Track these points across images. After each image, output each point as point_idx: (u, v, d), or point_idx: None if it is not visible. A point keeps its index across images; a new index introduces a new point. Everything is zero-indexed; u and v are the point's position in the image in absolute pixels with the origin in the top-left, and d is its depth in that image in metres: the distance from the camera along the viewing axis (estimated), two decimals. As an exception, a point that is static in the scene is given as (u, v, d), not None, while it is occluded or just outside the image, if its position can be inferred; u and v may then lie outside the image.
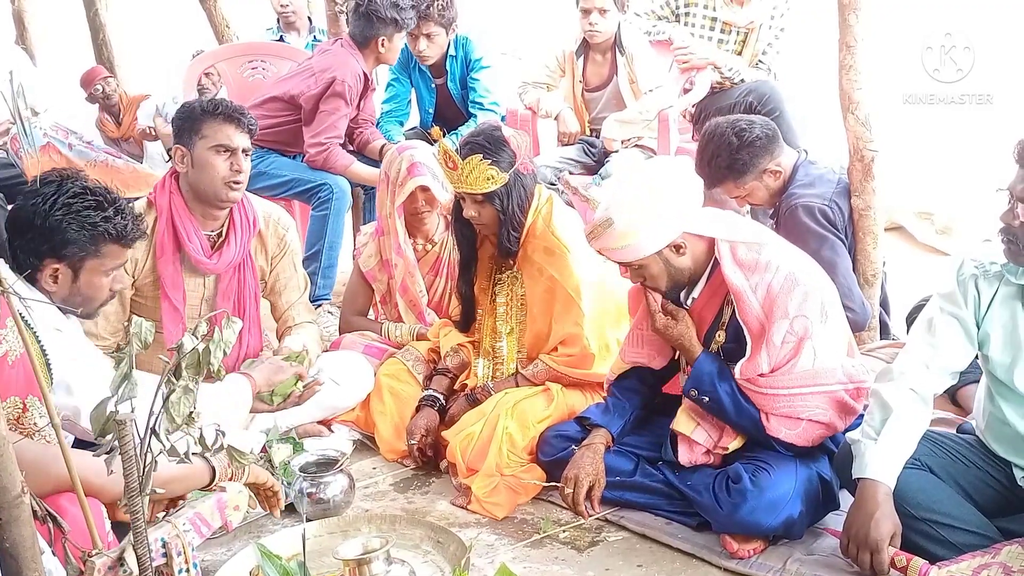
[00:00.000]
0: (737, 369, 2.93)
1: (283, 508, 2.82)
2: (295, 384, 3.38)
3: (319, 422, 3.71)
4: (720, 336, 3.04)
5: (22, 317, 2.54)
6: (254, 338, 3.74)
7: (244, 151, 3.52)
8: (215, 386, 3.22)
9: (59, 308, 2.71)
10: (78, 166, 4.64)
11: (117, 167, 5.35)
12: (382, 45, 5.12)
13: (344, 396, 3.71)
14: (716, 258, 2.96)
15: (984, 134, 5.60)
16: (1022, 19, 6.52)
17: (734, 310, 2.95)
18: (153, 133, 7.24)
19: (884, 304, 4.11)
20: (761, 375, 2.88)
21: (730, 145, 3.76)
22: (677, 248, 2.95)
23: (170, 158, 3.81)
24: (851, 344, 3.04)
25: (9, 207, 4.97)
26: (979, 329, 2.70)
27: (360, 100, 5.29)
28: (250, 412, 3.29)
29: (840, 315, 3.02)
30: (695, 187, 3.02)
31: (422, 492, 3.40)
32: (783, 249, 2.99)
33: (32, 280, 2.71)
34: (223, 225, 3.64)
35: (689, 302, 3.11)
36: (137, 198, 3.71)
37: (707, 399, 2.97)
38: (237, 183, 3.52)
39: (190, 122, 3.57)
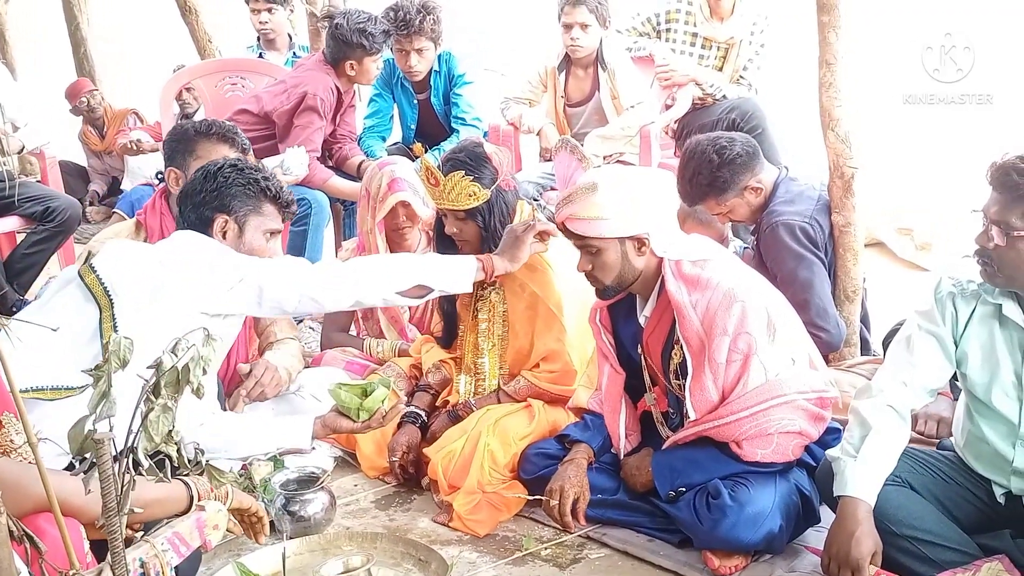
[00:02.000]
0: (689, 408, 2.93)
1: (267, 534, 2.79)
2: (382, 402, 3.09)
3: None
4: (676, 353, 3.02)
5: None
6: (241, 357, 3.72)
7: None
8: (442, 260, 3.29)
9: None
10: None
11: None
12: (351, 68, 5.15)
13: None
14: (663, 275, 2.98)
15: (984, 134, 5.63)
16: (1022, 19, 6.55)
17: None
18: (135, 148, 7.23)
19: (864, 320, 4.13)
20: (716, 407, 2.88)
21: (711, 163, 3.77)
22: (640, 244, 2.95)
23: (161, 180, 3.80)
24: (812, 358, 3.03)
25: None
26: (957, 347, 2.71)
27: (336, 115, 5.30)
28: (334, 430, 3.12)
29: (795, 329, 3.02)
30: (673, 203, 3.05)
31: (403, 509, 3.39)
32: (727, 266, 3.00)
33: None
34: None
35: (642, 320, 3.11)
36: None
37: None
38: None
39: (183, 143, 3.57)
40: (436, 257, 3.30)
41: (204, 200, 3.08)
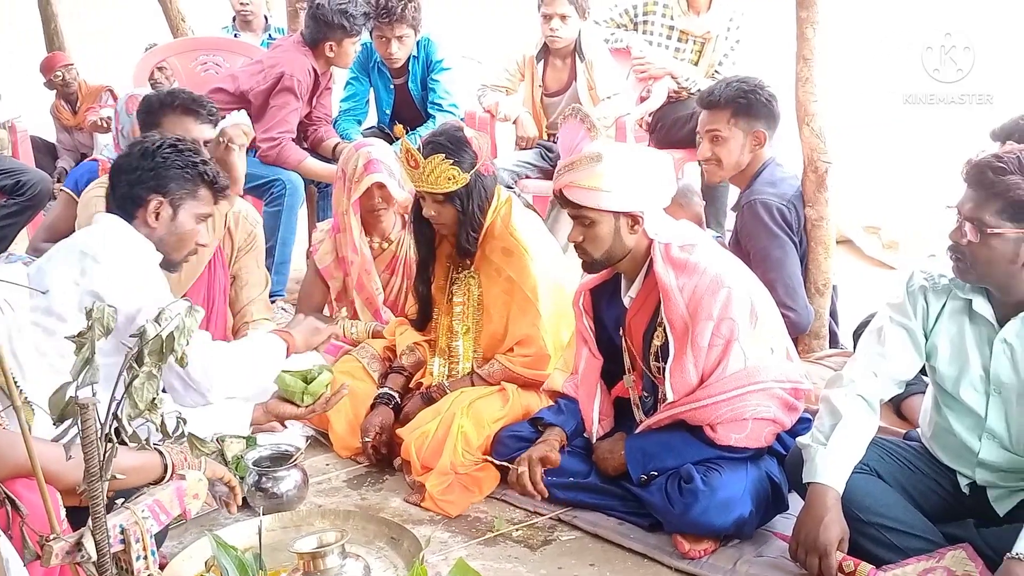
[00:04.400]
0: (668, 389, 2.96)
1: (239, 504, 2.80)
2: (326, 387, 3.15)
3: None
4: (658, 336, 3.06)
5: None
6: (218, 332, 3.71)
7: (206, 142, 3.50)
8: (245, 343, 3.22)
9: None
10: None
11: None
12: (330, 50, 5.15)
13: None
14: (652, 257, 3.01)
15: (984, 134, 5.68)
16: (1022, 19, 6.59)
17: None
18: (105, 125, 7.15)
19: (833, 314, 4.18)
20: (694, 390, 2.92)
21: (747, 82, 3.78)
22: (633, 222, 2.98)
23: None
24: (789, 350, 3.08)
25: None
26: (927, 340, 2.76)
27: (313, 97, 5.29)
28: (277, 416, 3.13)
29: (775, 320, 3.06)
30: (670, 188, 3.07)
31: (375, 489, 3.40)
32: (714, 252, 3.03)
33: (132, 218, 2.96)
34: None
35: (627, 301, 3.14)
36: None
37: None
38: None
39: (150, 116, 3.56)
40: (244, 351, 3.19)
41: (140, 178, 2.97)
